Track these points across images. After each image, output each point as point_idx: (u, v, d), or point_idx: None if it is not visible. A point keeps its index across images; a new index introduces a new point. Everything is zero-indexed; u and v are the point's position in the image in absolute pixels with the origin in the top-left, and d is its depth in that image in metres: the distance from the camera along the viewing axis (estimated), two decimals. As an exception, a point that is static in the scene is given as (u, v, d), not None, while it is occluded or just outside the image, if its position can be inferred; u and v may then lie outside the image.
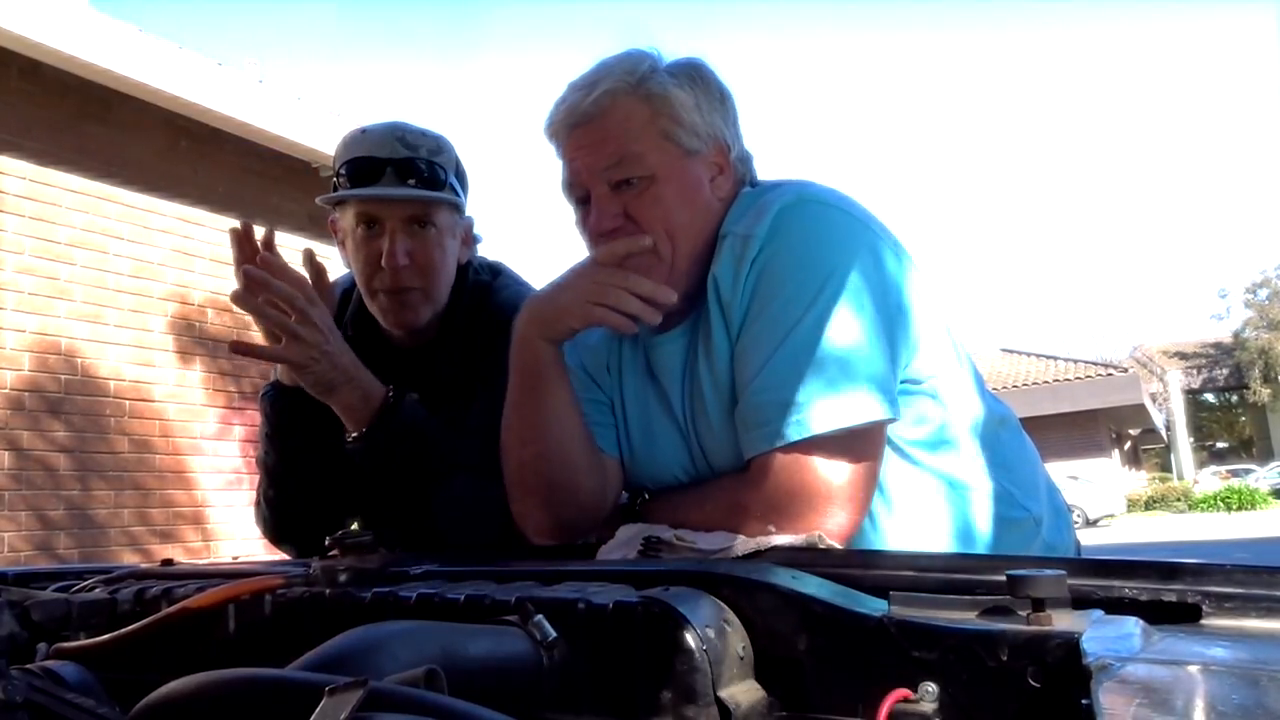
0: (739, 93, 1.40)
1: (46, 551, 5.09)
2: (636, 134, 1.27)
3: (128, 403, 5.61)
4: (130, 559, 5.33)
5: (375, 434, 1.55)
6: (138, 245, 5.76)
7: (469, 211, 1.78)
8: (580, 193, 1.31)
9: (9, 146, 5.16)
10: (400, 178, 1.62)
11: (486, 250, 1.88)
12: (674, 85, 1.29)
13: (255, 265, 1.49)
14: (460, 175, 1.74)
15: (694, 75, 1.33)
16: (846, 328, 1.19)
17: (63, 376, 5.29)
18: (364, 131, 1.69)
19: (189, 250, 6.05)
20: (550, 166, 1.38)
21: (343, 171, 1.66)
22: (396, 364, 1.77)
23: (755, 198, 1.31)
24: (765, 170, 1.42)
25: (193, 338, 6.04)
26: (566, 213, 1.38)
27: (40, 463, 5.14)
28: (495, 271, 1.84)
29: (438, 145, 1.69)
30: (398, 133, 1.66)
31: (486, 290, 1.77)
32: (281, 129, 6.31)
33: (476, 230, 1.82)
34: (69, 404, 5.30)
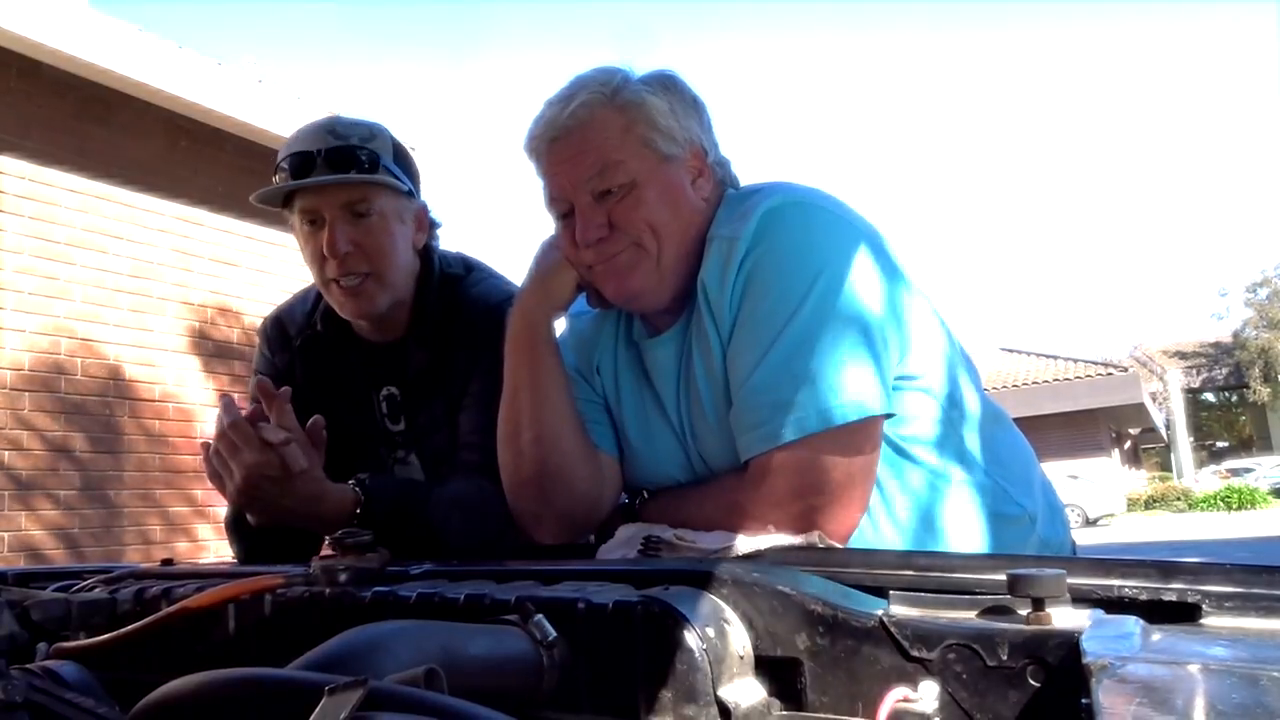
0: (736, 93, 1.42)
1: (46, 551, 5.09)
2: (615, 143, 1.29)
3: (128, 402, 5.61)
4: (131, 558, 5.34)
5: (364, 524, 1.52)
6: (137, 245, 5.76)
7: (425, 197, 1.78)
8: (564, 206, 1.33)
9: (9, 146, 5.16)
10: (332, 167, 1.62)
11: (484, 247, 1.87)
12: (648, 93, 1.32)
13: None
14: (402, 159, 1.73)
15: (666, 84, 1.35)
16: (837, 326, 1.19)
17: (62, 376, 5.29)
18: (301, 128, 1.70)
19: (189, 250, 6.05)
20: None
21: (283, 166, 1.66)
22: (369, 361, 1.77)
23: (740, 200, 1.32)
24: (762, 171, 1.42)
25: (192, 337, 6.04)
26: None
27: (40, 462, 5.14)
28: (469, 267, 1.83)
29: (370, 132, 1.69)
30: (329, 125, 1.67)
31: (458, 284, 1.76)
32: (281, 129, 6.30)
33: (435, 215, 1.81)
34: (69, 404, 5.30)
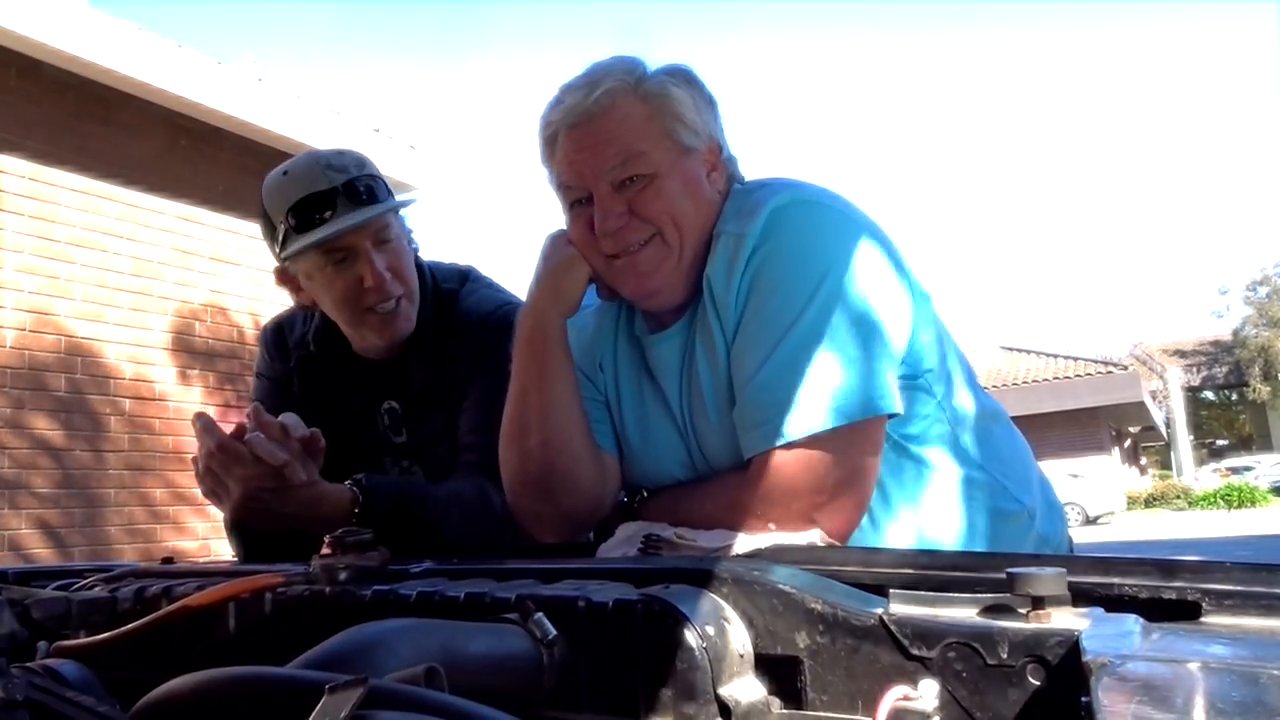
0: (738, 91, 1.42)
1: (46, 550, 5.09)
2: (638, 133, 1.28)
3: (128, 401, 5.62)
4: (131, 557, 5.33)
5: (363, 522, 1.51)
6: (137, 244, 5.76)
7: (425, 198, 1.82)
8: (578, 195, 1.31)
9: (9, 145, 5.15)
10: (352, 201, 1.63)
11: (482, 244, 1.89)
12: (671, 84, 1.31)
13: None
14: (383, 178, 1.75)
15: (687, 77, 1.35)
16: (843, 325, 1.19)
17: (63, 375, 5.29)
18: (286, 173, 1.67)
19: (189, 249, 6.05)
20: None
21: (290, 217, 1.63)
22: (369, 376, 1.78)
23: (745, 196, 1.32)
24: (763, 169, 1.43)
25: (192, 336, 6.04)
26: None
27: (41, 461, 5.14)
28: (464, 278, 1.84)
29: (358, 159, 1.70)
30: (320, 162, 1.66)
31: (453, 297, 1.78)
32: (281, 128, 6.30)
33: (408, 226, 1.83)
34: (69, 402, 5.30)
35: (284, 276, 1.75)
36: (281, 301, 1.96)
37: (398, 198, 1.74)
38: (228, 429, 1.46)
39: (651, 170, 1.27)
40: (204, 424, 1.46)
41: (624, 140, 1.27)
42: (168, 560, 1.23)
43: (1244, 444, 46.39)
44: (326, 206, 1.61)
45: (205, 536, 5.91)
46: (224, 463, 1.43)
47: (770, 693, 0.70)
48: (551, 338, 1.35)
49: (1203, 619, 0.67)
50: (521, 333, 1.37)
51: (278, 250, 1.69)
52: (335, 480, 1.54)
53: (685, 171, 1.30)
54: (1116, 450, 30.88)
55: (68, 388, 5.30)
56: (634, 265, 1.30)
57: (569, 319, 1.38)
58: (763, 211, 1.25)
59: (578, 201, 1.32)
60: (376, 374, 1.78)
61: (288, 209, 1.63)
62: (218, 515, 1.57)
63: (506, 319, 1.66)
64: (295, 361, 1.82)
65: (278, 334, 1.87)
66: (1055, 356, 29.95)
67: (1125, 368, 28.49)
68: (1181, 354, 42.96)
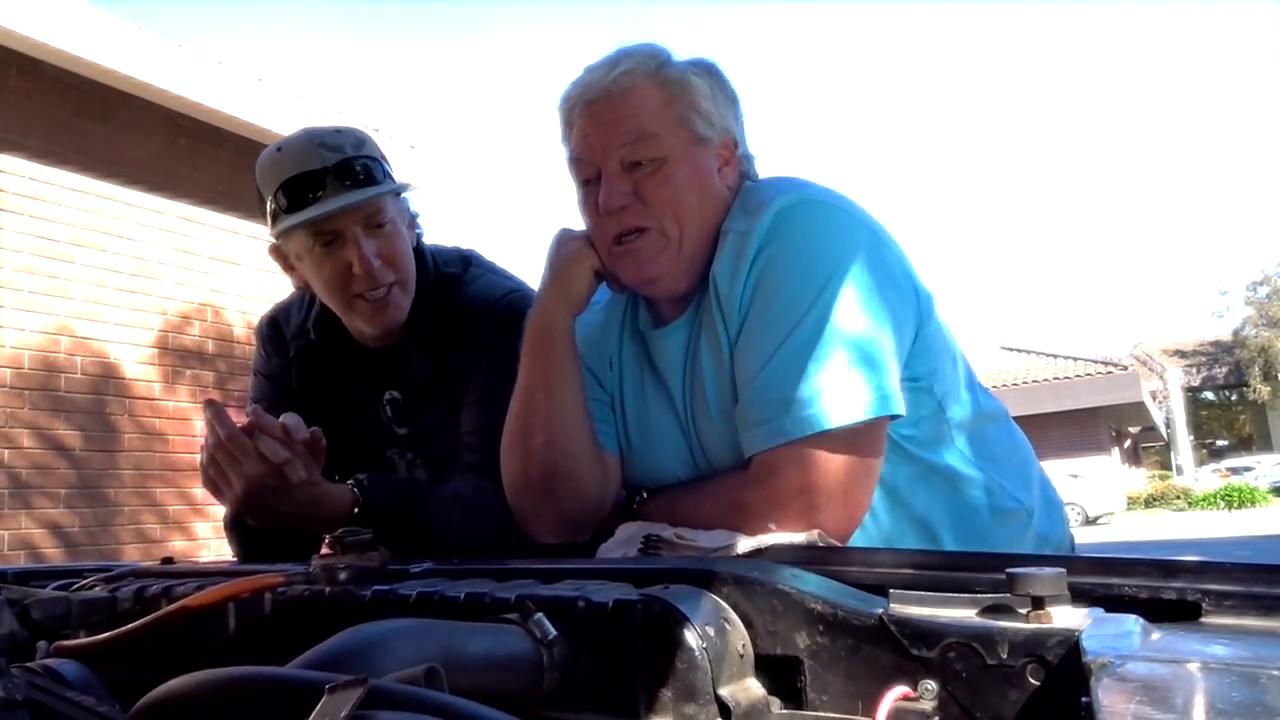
0: (743, 85, 1.42)
1: (45, 550, 5.09)
2: (653, 115, 1.28)
3: (128, 401, 5.61)
4: (131, 557, 5.33)
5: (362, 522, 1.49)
6: (138, 244, 5.75)
7: (424, 195, 1.76)
8: (589, 171, 1.32)
9: (9, 145, 5.15)
10: (342, 182, 1.58)
11: (485, 238, 1.86)
12: (693, 74, 1.32)
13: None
14: (384, 160, 1.70)
15: (710, 70, 1.36)
16: (848, 326, 1.19)
17: (63, 375, 5.29)
18: (280, 150, 1.63)
19: (189, 249, 6.04)
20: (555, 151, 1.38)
21: (281, 196, 1.60)
22: (369, 366, 1.75)
23: (751, 194, 1.33)
24: (765, 166, 1.43)
25: (192, 336, 6.04)
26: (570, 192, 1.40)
27: (40, 461, 5.14)
28: (466, 263, 1.80)
29: (356, 138, 1.65)
30: (315, 140, 1.61)
31: (455, 283, 1.74)
32: (281, 127, 6.29)
33: (412, 208, 1.78)
34: (69, 402, 5.30)
35: (277, 254, 1.72)
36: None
37: None
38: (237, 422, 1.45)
39: (662, 154, 1.28)
40: (214, 412, 1.43)
41: (638, 120, 1.28)
42: (167, 560, 1.23)
43: (1244, 444, 46.36)
44: (316, 187, 1.57)
45: (206, 538, 5.91)
46: (229, 456, 1.42)
47: (770, 693, 0.70)
48: (558, 338, 1.35)
49: (1203, 619, 0.67)
50: (529, 332, 1.37)
51: (270, 227, 1.66)
52: (340, 474, 1.53)
53: (695, 161, 1.30)
54: (1116, 450, 30.88)
55: (67, 388, 5.30)
56: (634, 252, 1.31)
57: (578, 317, 1.38)
58: (769, 210, 1.25)
59: (589, 181, 1.33)
60: (377, 363, 1.75)
61: (278, 186, 1.60)
62: (216, 516, 1.57)
63: (512, 307, 1.64)
64: (295, 352, 1.79)
65: (273, 328, 1.84)
66: (1055, 356, 29.95)
67: (1125, 368, 28.49)
68: (1181, 354, 42.97)
